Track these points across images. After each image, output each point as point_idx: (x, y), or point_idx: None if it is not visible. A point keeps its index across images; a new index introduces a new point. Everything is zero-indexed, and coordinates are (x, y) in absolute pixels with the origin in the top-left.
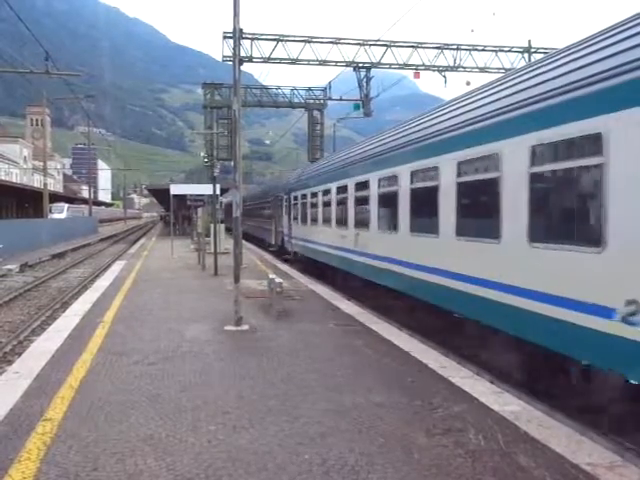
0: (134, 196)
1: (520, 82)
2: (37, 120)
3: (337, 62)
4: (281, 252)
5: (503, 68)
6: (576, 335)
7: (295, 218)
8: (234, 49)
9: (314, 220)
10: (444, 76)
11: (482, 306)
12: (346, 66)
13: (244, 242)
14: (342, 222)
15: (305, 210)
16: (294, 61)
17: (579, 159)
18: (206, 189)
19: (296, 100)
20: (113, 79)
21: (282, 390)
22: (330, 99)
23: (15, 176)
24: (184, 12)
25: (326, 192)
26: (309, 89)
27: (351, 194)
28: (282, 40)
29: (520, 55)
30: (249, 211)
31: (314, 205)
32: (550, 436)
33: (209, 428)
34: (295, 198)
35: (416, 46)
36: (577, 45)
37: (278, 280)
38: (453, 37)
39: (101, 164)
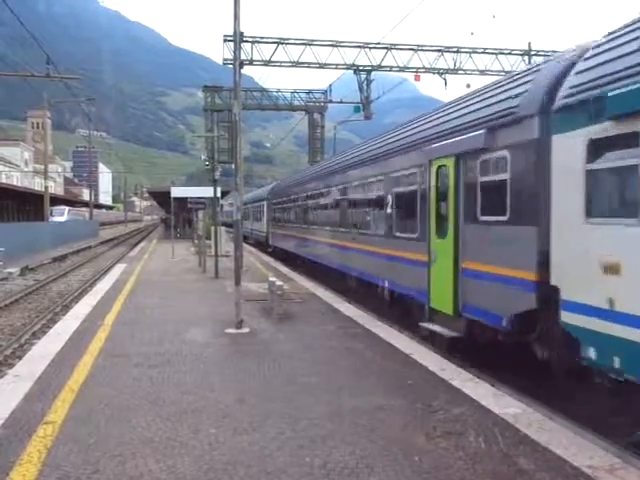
0: (135, 199)
1: None
2: (38, 123)
3: (337, 65)
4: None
5: (503, 71)
6: None
7: None
8: (235, 52)
9: None
10: (444, 79)
11: None
12: (346, 69)
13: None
14: None
15: None
16: (294, 64)
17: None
18: (207, 192)
19: (297, 103)
20: (114, 82)
21: (283, 393)
22: (331, 102)
23: (16, 179)
24: (185, 15)
25: None
26: (309, 92)
27: None
28: (282, 43)
29: (520, 58)
30: (310, 209)
31: None
32: (551, 439)
33: (210, 431)
34: None
35: (416, 49)
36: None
37: (279, 283)
38: (453, 40)
39: (102, 167)
